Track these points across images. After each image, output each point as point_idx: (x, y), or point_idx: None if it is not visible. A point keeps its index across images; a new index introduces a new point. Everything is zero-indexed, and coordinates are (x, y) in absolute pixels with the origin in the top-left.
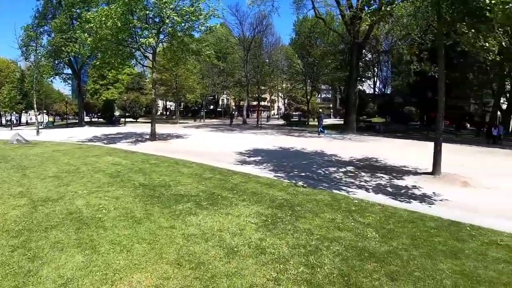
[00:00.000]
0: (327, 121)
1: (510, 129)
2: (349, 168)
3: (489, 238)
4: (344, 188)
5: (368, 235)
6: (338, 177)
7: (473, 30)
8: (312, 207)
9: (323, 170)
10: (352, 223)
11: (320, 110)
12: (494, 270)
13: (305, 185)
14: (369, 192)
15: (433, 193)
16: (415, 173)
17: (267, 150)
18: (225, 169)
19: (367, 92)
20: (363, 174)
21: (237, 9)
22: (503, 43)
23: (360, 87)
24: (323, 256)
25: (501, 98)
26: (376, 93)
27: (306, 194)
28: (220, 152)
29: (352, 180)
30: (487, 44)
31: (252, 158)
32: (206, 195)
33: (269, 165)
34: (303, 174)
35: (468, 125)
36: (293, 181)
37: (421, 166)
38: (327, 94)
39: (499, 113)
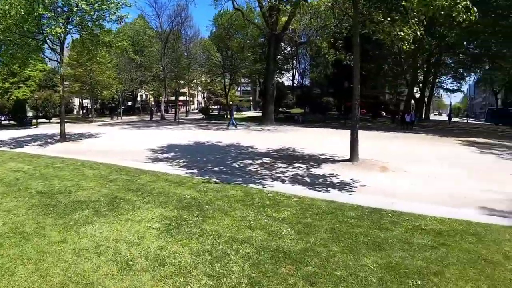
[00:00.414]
0: (247, 113)
1: (423, 116)
2: (266, 159)
3: (412, 223)
4: (259, 181)
5: (283, 232)
6: (254, 169)
7: (389, 19)
8: (222, 205)
9: (238, 163)
10: (266, 220)
11: (231, 102)
12: (422, 259)
13: (217, 180)
14: (285, 183)
15: (352, 180)
16: (333, 161)
17: (181, 145)
18: (133, 169)
19: (286, 84)
20: (280, 165)
21: (155, 0)
22: (418, 33)
23: (279, 79)
24: (231, 262)
25: (414, 88)
26: (295, 85)
27: (217, 190)
28: (132, 150)
29: (268, 172)
30: (402, 33)
31: (165, 155)
32: (107, 199)
33: (182, 161)
34: (216, 168)
35: (384, 113)
36: (206, 176)
37: (339, 153)
38: (247, 87)
39: (412, 101)
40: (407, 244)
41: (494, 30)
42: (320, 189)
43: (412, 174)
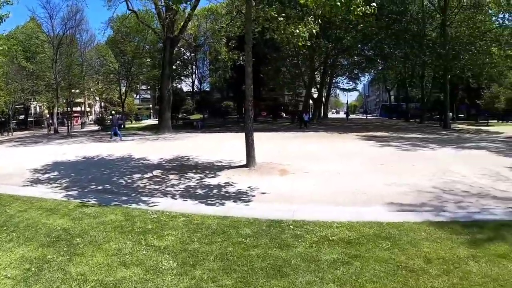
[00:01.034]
0: (146, 122)
1: (322, 115)
2: (157, 172)
3: (317, 234)
4: (146, 198)
5: (164, 267)
6: (142, 185)
7: (283, 15)
8: (96, 235)
9: (126, 178)
10: (144, 251)
11: (114, 112)
12: (333, 281)
13: (96, 202)
14: (175, 198)
15: (249, 187)
16: (230, 167)
17: (68, 162)
18: (6, 195)
19: (186, 90)
20: (171, 177)
21: (48, 1)
22: (314, 31)
23: (179, 85)
24: None
25: (312, 88)
26: (194, 90)
27: (95, 215)
28: (11, 172)
29: (158, 187)
30: (297, 31)
31: (47, 175)
32: None
33: (64, 181)
34: (100, 187)
35: (284, 114)
36: (85, 199)
37: (237, 159)
38: (146, 94)
39: (311, 101)
40: (313, 263)
41: (387, 33)
42: (213, 202)
43: (314, 174)
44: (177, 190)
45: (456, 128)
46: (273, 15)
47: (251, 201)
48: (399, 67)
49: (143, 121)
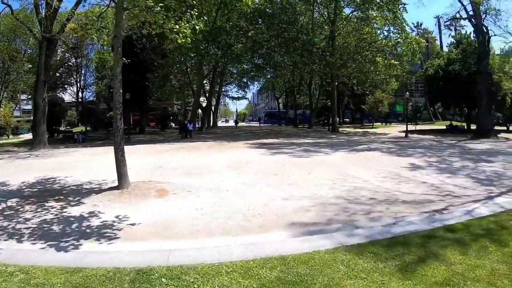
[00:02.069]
0: (23, 137)
1: (211, 124)
2: (11, 201)
3: None
4: None
5: None
6: None
7: (161, 5)
8: None
9: None
10: None
11: None
12: None
13: None
14: (22, 241)
15: (117, 217)
16: (100, 190)
17: None
18: None
19: (70, 100)
20: (26, 208)
21: None
22: (197, 27)
23: (62, 95)
24: None
25: (201, 97)
26: (78, 100)
27: None
28: None
29: (7, 224)
30: (177, 26)
31: None
32: None
33: None
34: None
35: (173, 124)
36: None
37: (110, 178)
38: (28, 104)
39: (199, 110)
40: None
41: (278, 41)
42: (66, 244)
43: (199, 193)
44: (28, 228)
45: (344, 132)
46: (149, 3)
47: (116, 238)
48: (287, 75)
49: (21, 135)
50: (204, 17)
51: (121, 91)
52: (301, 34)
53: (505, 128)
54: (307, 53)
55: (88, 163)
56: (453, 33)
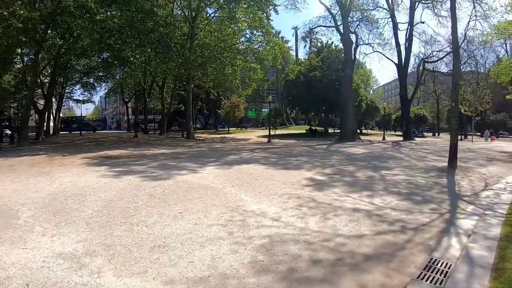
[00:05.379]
0: None
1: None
2: None
3: None
4: None
5: None
6: None
7: None
8: None
9: None
10: None
11: None
12: None
13: None
14: None
15: None
16: None
17: None
18: None
19: None
20: None
21: None
22: None
23: None
24: None
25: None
26: None
27: None
28: None
29: None
30: None
31: None
32: None
33: None
34: None
35: (8, 132)
36: None
37: None
38: None
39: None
40: None
41: (131, 32)
42: None
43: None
44: None
45: (200, 138)
46: None
47: None
48: (139, 75)
49: None
50: None
51: None
52: (158, 26)
53: (358, 131)
54: (164, 47)
55: None
56: (308, 45)
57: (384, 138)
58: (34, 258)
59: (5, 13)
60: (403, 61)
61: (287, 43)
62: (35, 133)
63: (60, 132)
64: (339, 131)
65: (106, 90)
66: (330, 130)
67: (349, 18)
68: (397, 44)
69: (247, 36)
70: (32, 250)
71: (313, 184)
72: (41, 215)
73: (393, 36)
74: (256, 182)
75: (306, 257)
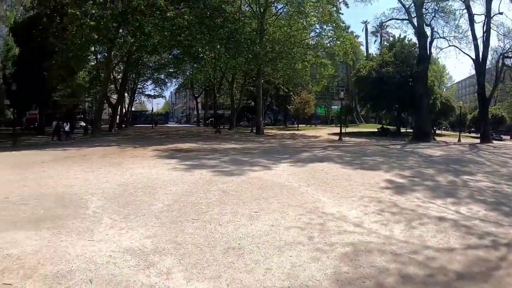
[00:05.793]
0: None
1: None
2: None
3: None
4: None
5: None
6: None
7: None
8: None
9: None
10: None
11: None
12: None
13: None
14: None
15: None
16: None
17: None
18: None
19: None
20: None
21: None
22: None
23: None
24: None
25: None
26: None
27: None
28: None
29: None
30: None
31: None
32: None
33: None
34: None
35: (83, 124)
36: None
37: None
38: None
39: (109, 109)
40: None
41: (200, 28)
42: None
43: None
44: None
45: (270, 134)
46: None
47: None
48: (209, 70)
49: None
50: None
51: None
52: (227, 22)
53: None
54: (234, 43)
55: None
56: (378, 40)
57: (459, 140)
58: (100, 251)
59: (78, 12)
60: (480, 56)
61: (356, 38)
62: (108, 126)
63: (134, 126)
64: (411, 130)
65: (177, 86)
66: (402, 130)
67: (423, 9)
68: (474, 38)
69: (317, 31)
70: (99, 243)
71: (392, 187)
72: (110, 206)
73: (469, 29)
74: (333, 182)
75: (394, 271)
